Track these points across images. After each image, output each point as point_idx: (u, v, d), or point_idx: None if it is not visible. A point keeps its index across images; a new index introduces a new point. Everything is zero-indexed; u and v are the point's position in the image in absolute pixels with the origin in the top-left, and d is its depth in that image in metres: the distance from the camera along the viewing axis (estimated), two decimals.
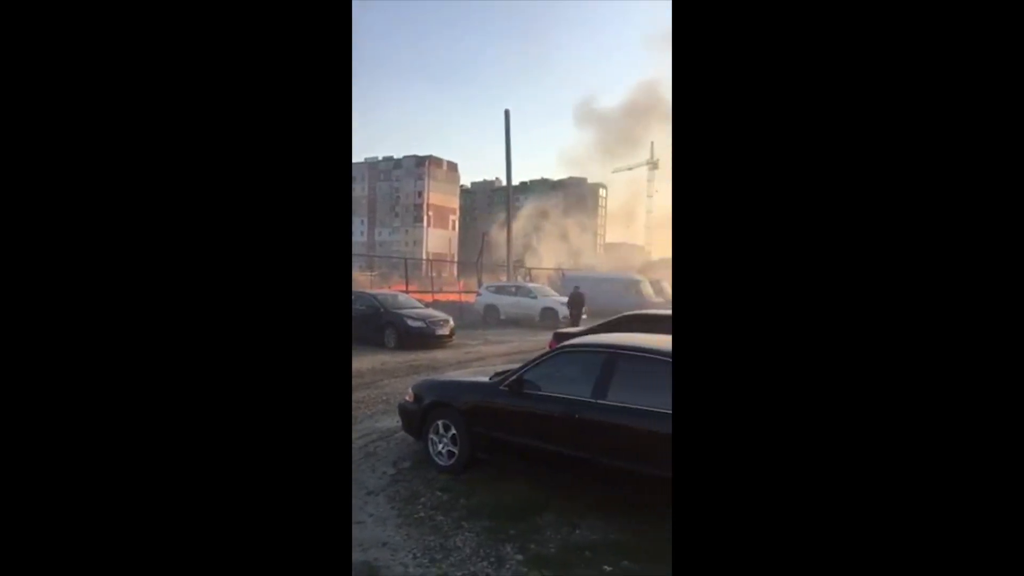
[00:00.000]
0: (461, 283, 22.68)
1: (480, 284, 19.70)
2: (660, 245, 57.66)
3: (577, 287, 14.84)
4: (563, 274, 23.70)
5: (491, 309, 17.03)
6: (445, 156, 72.58)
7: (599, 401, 3.49)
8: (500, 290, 18.02)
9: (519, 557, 2.96)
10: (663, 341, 3.99)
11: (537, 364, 3.98)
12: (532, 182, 70.45)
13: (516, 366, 4.21)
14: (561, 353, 4.01)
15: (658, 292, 20.63)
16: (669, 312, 7.58)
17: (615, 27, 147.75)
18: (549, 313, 15.84)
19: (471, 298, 18.52)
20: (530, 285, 19.56)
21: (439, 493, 3.76)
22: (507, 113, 22.31)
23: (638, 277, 21.89)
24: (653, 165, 64.79)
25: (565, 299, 15.19)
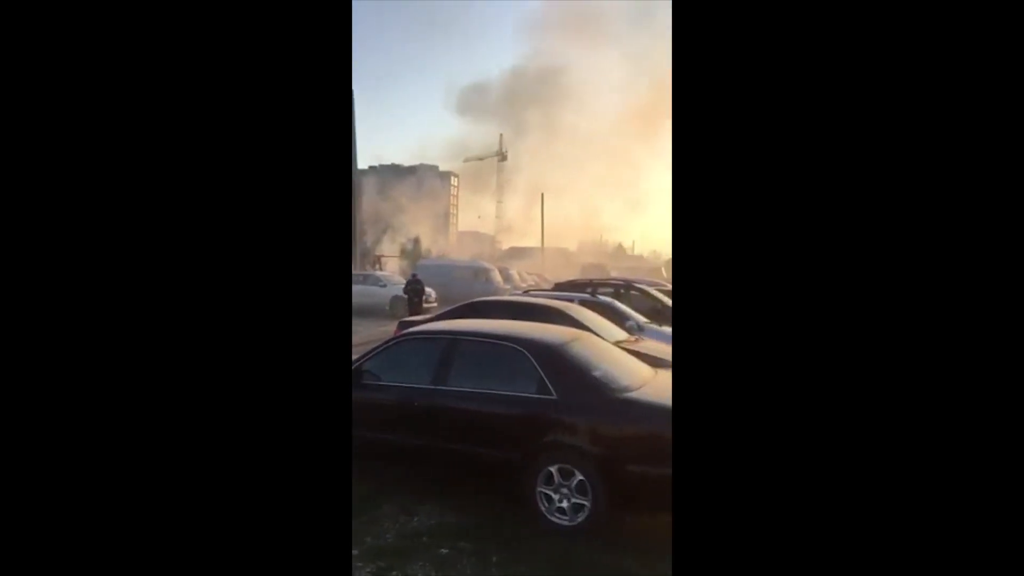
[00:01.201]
0: None
1: None
2: (510, 235, 59.57)
3: (415, 275, 14.61)
4: (415, 262, 23.42)
5: None
6: None
7: (439, 387, 3.51)
8: None
9: (355, 552, 2.87)
10: (504, 325, 4.13)
11: (376, 354, 3.87)
12: (382, 167, 68.32)
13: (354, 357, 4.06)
14: (401, 341, 3.95)
15: (507, 279, 21.32)
16: (514, 298, 7.87)
17: (487, 24, 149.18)
18: (400, 302, 15.53)
19: None
20: (379, 273, 19.00)
21: None
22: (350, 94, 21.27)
23: (488, 265, 22.42)
24: (502, 157, 66.51)
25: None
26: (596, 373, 3.40)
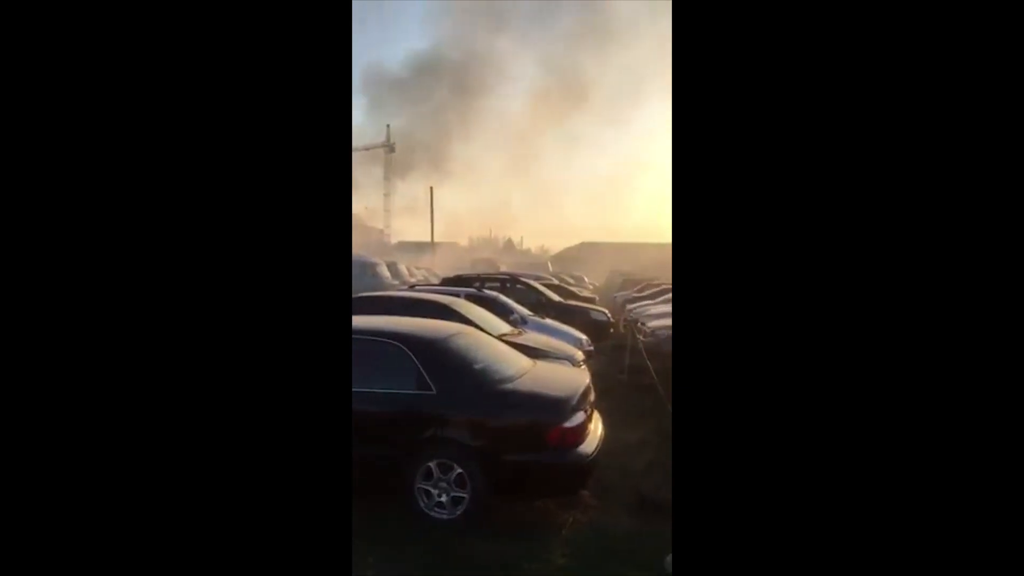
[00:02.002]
0: None
1: None
2: (399, 229, 58.26)
3: None
4: None
5: None
6: None
7: None
8: None
9: None
10: (382, 321, 4.03)
11: None
12: None
13: None
14: None
15: (395, 275, 20.87)
16: (398, 294, 7.73)
17: (387, 13, 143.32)
18: None
19: None
20: None
21: None
22: None
23: (375, 260, 21.78)
24: (390, 148, 64.75)
25: None
26: (477, 366, 3.44)
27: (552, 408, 3.18)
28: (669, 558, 2.80)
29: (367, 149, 65.87)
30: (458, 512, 3.10)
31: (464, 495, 3.10)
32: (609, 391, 5.83)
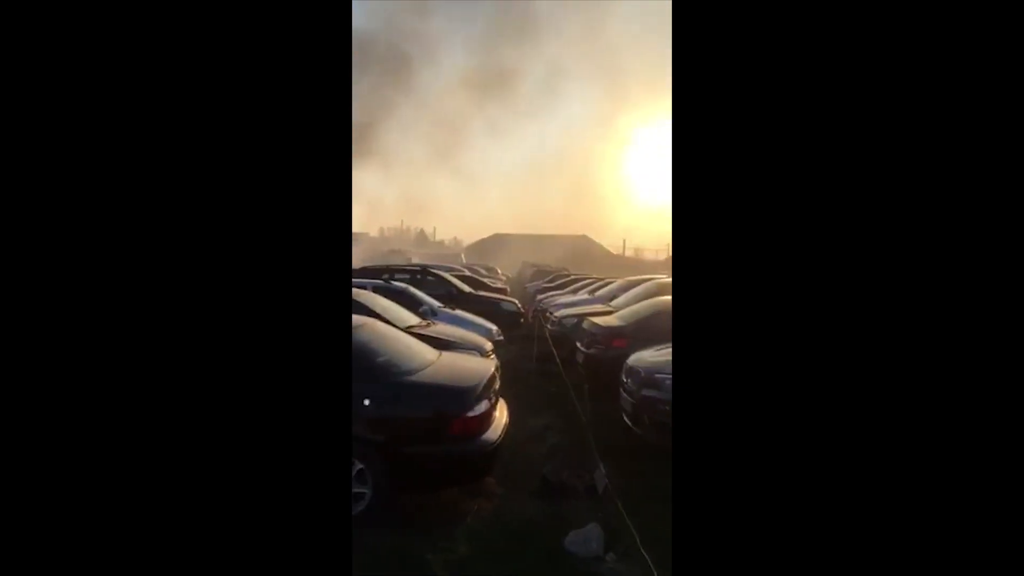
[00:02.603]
0: None
1: None
2: None
3: None
4: None
5: None
6: None
7: None
8: None
9: None
10: None
11: None
12: None
13: None
14: None
15: None
16: None
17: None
18: None
19: None
20: None
21: None
22: None
23: None
24: None
25: None
26: (379, 360, 3.36)
27: (454, 398, 3.18)
28: (570, 536, 2.90)
29: None
30: (359, 508, 3.02)
31: (365, 491, 3.02)
32: (516, 379, 5.93)
